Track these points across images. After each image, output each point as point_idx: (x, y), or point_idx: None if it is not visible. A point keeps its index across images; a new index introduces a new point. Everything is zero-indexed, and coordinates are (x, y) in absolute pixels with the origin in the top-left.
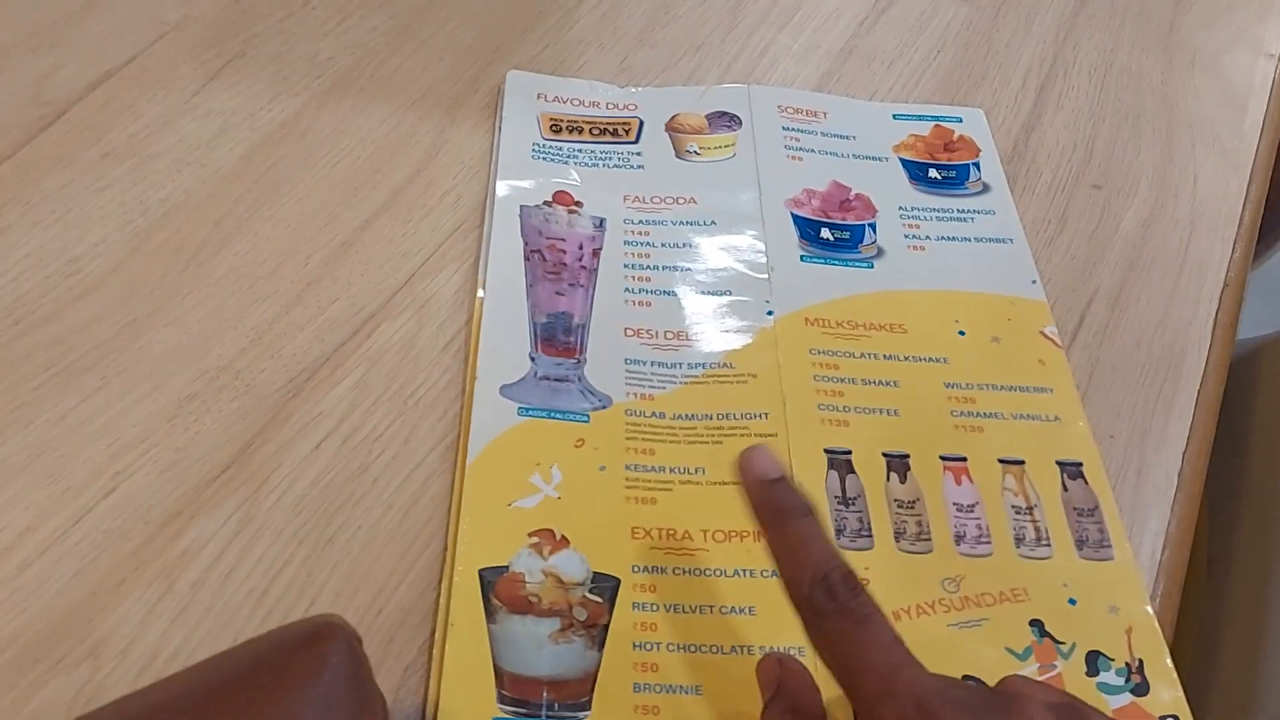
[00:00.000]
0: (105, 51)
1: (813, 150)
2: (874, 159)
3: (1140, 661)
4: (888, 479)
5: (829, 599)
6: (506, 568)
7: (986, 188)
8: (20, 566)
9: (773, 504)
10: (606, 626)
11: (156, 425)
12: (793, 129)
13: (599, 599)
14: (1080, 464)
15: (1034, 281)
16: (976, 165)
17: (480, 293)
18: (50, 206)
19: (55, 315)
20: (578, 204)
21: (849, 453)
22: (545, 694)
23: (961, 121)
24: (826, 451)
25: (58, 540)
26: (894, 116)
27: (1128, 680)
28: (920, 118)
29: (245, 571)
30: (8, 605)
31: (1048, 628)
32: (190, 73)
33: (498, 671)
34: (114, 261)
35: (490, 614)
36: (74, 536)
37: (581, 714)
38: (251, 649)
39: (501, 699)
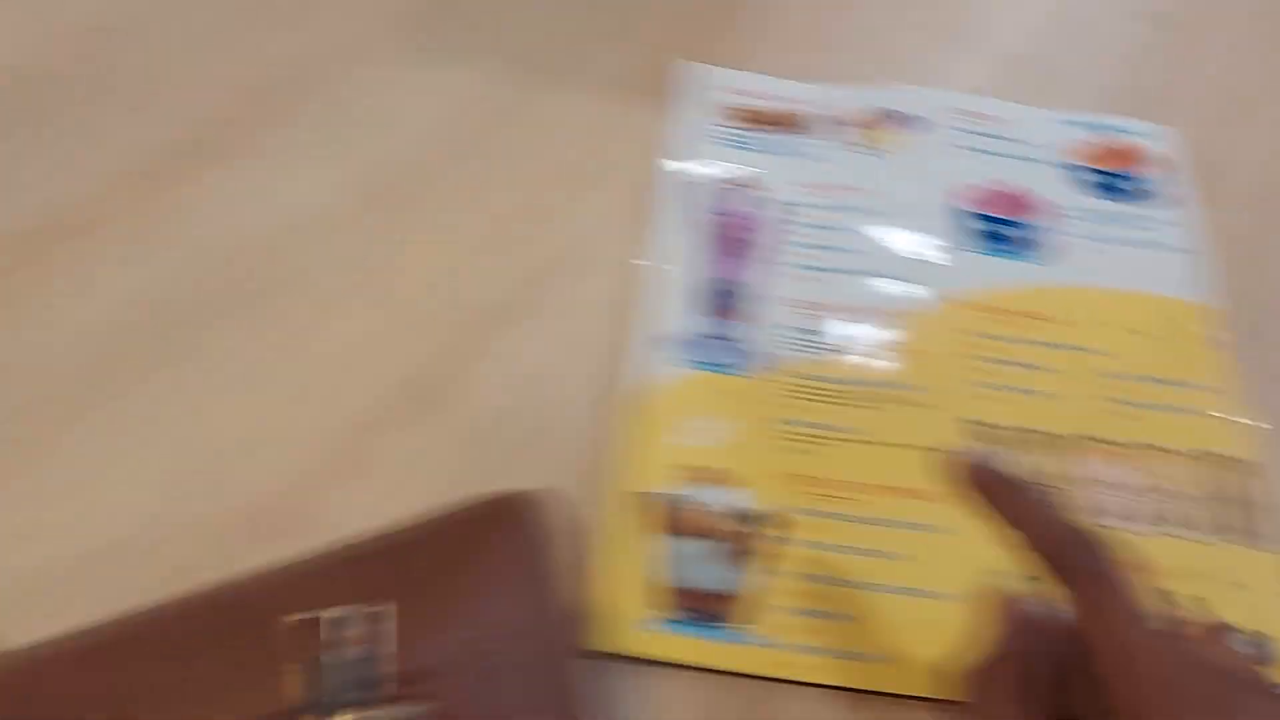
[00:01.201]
0: (339, 30)
1: (984, 151)
2: (1047, 163)
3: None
4: (1035, 457)
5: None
6: (674, 495)
7: (1167, 198)
8: (249, 448)
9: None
10: (771, 555)
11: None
12: (964, 130)
13: (761, 531)
14: (1237, 457)
15: (1206, 289)
16: (1156, 177)
17: (649, 261)
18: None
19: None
20: (750, 185)
21: (1000, 427)
22: (708, 605)
23: (1142, 134)
24: (977, 424)
25: (275, 439)
26: (1070, 123)
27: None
28: (1100, 127)
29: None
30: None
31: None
32: (401, 48)
33: (661, 585)
34: (335, 213)
35: (661, 532)
36: (291, 434)
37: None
38: (439, 520)
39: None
